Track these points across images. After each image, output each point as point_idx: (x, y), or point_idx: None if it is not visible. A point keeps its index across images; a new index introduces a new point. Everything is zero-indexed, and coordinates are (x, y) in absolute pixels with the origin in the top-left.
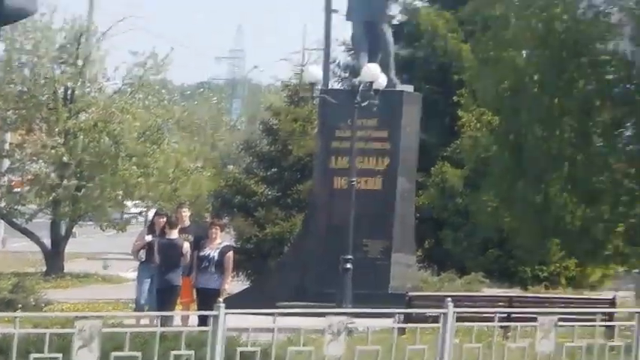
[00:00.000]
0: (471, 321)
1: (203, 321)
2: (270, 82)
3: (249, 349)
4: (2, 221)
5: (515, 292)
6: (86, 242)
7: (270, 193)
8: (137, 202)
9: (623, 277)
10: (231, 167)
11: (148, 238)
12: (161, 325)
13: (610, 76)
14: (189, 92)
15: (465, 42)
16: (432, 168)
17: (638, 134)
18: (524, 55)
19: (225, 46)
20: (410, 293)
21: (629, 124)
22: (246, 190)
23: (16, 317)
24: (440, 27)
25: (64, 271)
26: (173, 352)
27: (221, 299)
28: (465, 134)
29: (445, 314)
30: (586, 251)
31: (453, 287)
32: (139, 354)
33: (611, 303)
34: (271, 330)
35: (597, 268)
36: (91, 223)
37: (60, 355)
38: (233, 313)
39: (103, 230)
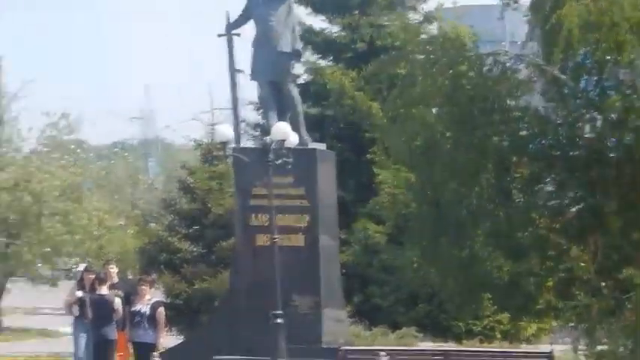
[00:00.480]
0: None
1: None
2: (183, 141)
3: None
4: None
5: (450, 346)
6: (21, 297)
7: (195, 249)
8: (65, 259)
9: (559, 331)
10: (153, 225)
11: (79, 293)
12: None
13: (524, 132)
14: (105, 152)
15: (373, 99)
16: (354, 225)
17: (558, 189)
18: (434, 111)
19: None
20: (343, 347)
21: (548, 179)
22: (170, 247)
23: None
24: (346, 85)
25: (2, 325)
26: None
27: (156, 353)
28: (383, 191)
29: None
30: (517, 306)
31: (386, 341)
32: None
33: (549, 357)
34: None
35: (532, 322)
36: (22, 278)
37: None
38: None
39: (34, 286)
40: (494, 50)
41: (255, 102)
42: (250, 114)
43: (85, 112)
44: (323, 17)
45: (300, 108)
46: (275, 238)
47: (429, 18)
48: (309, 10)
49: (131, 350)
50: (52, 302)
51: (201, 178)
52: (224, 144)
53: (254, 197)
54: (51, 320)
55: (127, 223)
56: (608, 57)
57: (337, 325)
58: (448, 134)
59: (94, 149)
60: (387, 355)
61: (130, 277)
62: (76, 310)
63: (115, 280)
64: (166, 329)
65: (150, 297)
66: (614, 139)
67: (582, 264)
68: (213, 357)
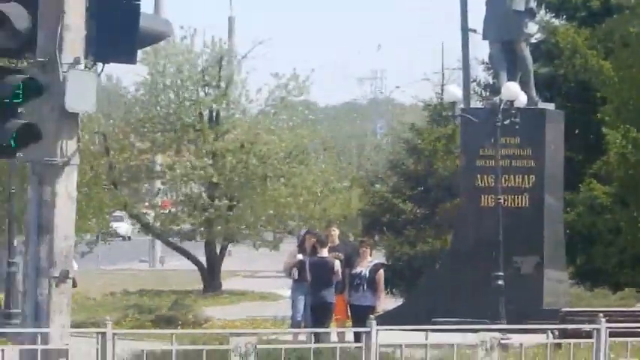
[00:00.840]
0: (627, 337)
1: (358, 337)
2: (412, 101)
3: None
4: (159, 241)
5: None
6: (241, 260)
7: (418, 211)
8: (288, 221)
9: None
10: (378, 186)
11: (299, 256)
12: (316, 342)
13: None
14: (333, 113)
15: (605, 59)
16: (580, 185)
17: None
18: None
19: (365, 67)
20: (564, 309)
21: None
22: (394, 209)
23: (172, 334)
24: (579, 44)
25: (222, 288)
26: None
27: (373, 316)
28: (611, 151)
29: (598, 330)
30: None
31: (606, 303)
32: None
33: None
34: (424, 346)
35: None
36: (244, 241)
37: None
38: (385, 330)
39: (257, 249)
40: None
41: (486, 62)
42: (481, 74)
43: (315, 73)
44: None
45: (531, 68)
46: (499, 199)
47: None
48: None
49: (349, 313)
50: (273, 266)
51: (428, 139)
52: (453, 104)
53: (480, 158)
54: (270, 283)
55: (352, 184)
56: None
57: (558, 286)
58: None
59: (322, 110)
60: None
61: (352, 239)
62: (295, 273)
63: (336, 242)
64: (386, 292)
65: (371, 259)
66: None
67: None
68: (432, 319)
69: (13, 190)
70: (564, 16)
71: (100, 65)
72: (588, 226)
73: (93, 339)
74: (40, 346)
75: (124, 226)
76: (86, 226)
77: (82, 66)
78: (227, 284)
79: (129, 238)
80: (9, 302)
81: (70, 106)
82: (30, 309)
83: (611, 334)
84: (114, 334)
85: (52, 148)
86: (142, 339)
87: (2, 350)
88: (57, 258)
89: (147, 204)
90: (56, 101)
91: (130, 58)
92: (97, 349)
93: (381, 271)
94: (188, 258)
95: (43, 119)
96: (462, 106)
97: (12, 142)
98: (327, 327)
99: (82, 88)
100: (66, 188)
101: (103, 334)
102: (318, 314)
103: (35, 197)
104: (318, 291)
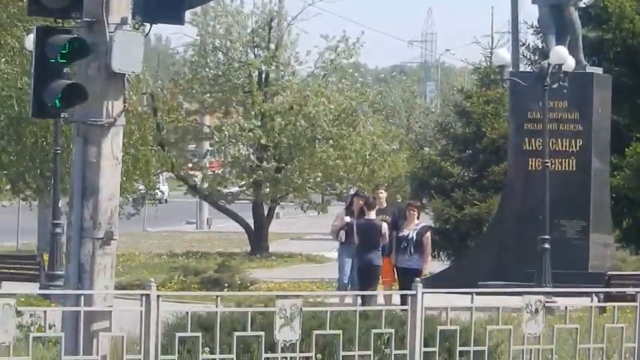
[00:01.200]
0: None
1: (404, 300)
2: (462, 65)
3: (449, 327)
4: (207, 203)
5: None
6: (289, 223)
7: (466, 174)
8: (337, 184)
9: None
10: (426, 149)
11: (347, 219)
12: (362, 305)
13: None
14: (382, 75)
15: None
16: (626, 149)
17: None
18: None
19: (416, 30)
20: (609, 272)
21: None
22: (442, 172)
23: (217, 296)
24: (627, 9)
25: (269, 251)
26: (374, 331)
27: (420, 279)
28: None
29: None
30: None
31: None
32: (339, 332)
33: None
34: (470, 309)
35: None
36: (292, 204)
37: (262, 333)
38: (431, 292)
39: (304, 211)
40: None
41: (535, 26)
42: (530, 38)
43: (365, 35)
44: None
45: (580, 32)
46: (546, 162)
47: None
48: None
49: (396, 276)
50: (320, 228)
51: (477, 102)
52: (502, 68)
53: (528, 121)
54: (317, 246)
55: (401, 147)
56: None
57: (604, 249)
58: None
59: (372, 72)
60: None
61: (400, 201)
62: (343, 235)
63: (384, 205)
64: (433, 255)
65: (418, 222)
66: None
67: None
68: (479, 282)
69: (57, 151)
70: None
71: (147, 26)
72: (634, 190)
73: (137, 301)
74: (83, 308)
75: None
76: (132, 187)
77: (129, 26)
78: (274, 247)
79: (165, 201)
80: (53, 264)
81: (117, 66)
82: (73, 270)
83: None
84: (158, 295)
85: (97, 108)
86: (186, 301)
87: (45, 312)
88: (101, 219)
89: (193, 165)
90: (102, 61)
91: (178, 19)
92: (141, 312)
93: (428, 233)
94: (235, 220)
95: (89, 80)
96: (510, 69)
97: (57, 103)
98: (373, 290)
99: (129, 48)
100: (111, 149)
101: (147, 295)
102: (365, 277)
103: (80, 158)
104: (365, 254)
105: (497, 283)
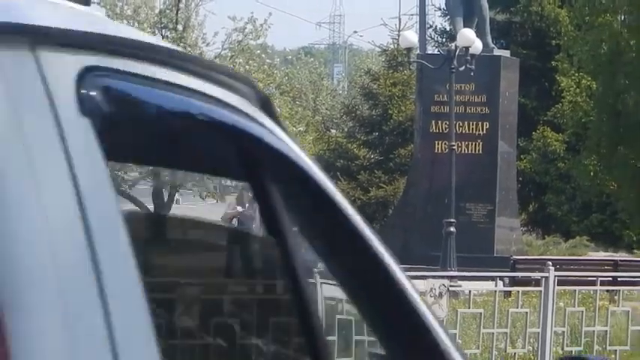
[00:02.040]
0: (576, 285)
1: None
2: (370, 47)
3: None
4: None
5: (621, 256)
6: (189, 209)
7: (372, 156)
8: None
9: None
10: (333, 131)
11: (239, 208)
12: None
13: None
14: (290, 57)
15: (561, 7)
16: (533, 132)
17: None
18: (621, 19)
19: (324, 11)
20: (514, 257)
21: None
22: (348, 154)
23: None
24: None
25: None
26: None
27: None
28: (564, 99)
29: (547, 278)
30: None
31: (557, 251)
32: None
33: None
34: None
35: None
36: (191, 190)
37: None
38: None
39: (203, 199)
40: None
41: (443, 8)
42: (438, 20)
43: (273, 16)
44: None
45: (487, 14)
46: (453, 145)
47: None
48: None
49: None
50: (216, 217)
51: (384, 84)
52: (409, 50)
53: (435, 104)
54: None
55: (307, 129)
56: None
57: (510, 233)
58: (632, 42)
59: (279, 54)
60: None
61: None
62: (235, 224)
63: None
64: None
65: None
66: None
67: None
68: None
69: None
70: None
71: None
72: (541, 174)
73: None
74: None
75: None
76: None
77: None
78: None
79: None
80: None
81: None
82: None
83: (560, 283)
84: None
85: None
86: None
87: None
88: None
89: None
90: None
91: (84, 0)
92: None
93: None
94: (136, 205)
95: None
96: (418, 52)
97: None
98: None
99: None
100: None
101: None
102: None
103: None
104: None
105: (402, 267)
